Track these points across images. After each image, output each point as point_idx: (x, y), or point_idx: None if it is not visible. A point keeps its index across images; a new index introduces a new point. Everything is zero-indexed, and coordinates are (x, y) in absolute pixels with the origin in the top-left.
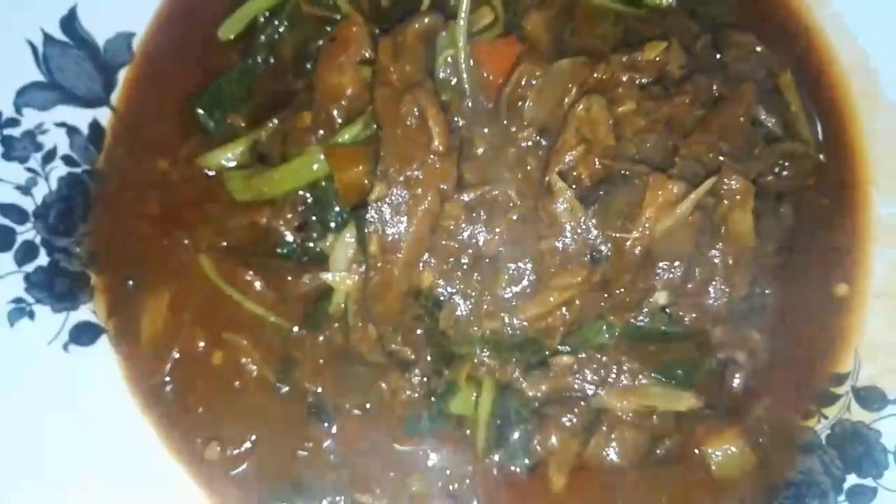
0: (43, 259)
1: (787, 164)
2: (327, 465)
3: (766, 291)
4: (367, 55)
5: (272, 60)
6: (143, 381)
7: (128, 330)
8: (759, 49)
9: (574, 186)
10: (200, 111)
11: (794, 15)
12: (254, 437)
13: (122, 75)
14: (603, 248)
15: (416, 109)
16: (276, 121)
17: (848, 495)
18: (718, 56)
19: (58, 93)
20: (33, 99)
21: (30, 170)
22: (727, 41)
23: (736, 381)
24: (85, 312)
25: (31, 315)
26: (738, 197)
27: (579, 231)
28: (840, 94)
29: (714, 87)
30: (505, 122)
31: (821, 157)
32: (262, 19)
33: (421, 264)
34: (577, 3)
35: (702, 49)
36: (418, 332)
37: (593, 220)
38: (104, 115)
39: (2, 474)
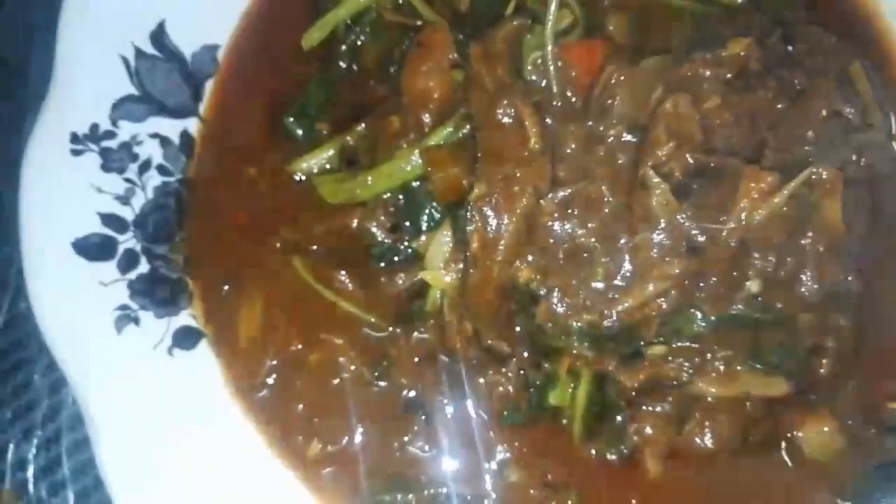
0: (144, 266)
1: (865, 153)
2: (426, 459)
3: (850, 278)
4: (453, 59)
5: (354, 68)
6: (243, 381)
7: (226, 333)
8: (828, 41)
9: (667, 181)
10: (290, 119)
11: (858, 3)
12: (353, 433)
13: (209, 86)
14: (699, 239)
15: (511, 111)
16: (363, 125)
17: None
18: (790, 49)
19: (150, 105)
20: (128, 112)
21: (128, 180)
22: (796, 34)
23: (824, 366)
24: (185, 317)
25: (137, 321)
26: (828, 186)
27: (675, 224)
28: None
29: (795, 81)
30: (593, 120)
31: (894, 144)
32: (343, 27)
33: (518, 260)
34: (654, 3)
35: (774, 43)
36: (515, 327)
37: (688, 213)
38: (193, 125)
39: (115, 476)
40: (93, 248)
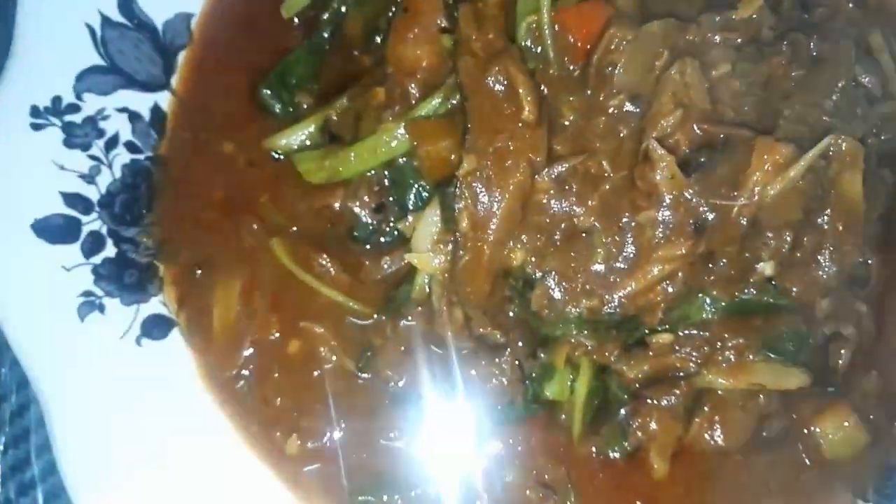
0: (110, 250)
1: (885, 126)
2: (412, 455)
3: (870, 261)
4: (441, 24)
5: (338, 37)
6: (217, 373)
7: (199, 321)
8: (846, 7)
9: (672, 154)
10: (266, 91)
11: None
12: (335, 429)
13: (182, 57)
14: (707, 216)
15: (503, 78)
16: (346, 98)
17: None
18: (805, 15)
19: (118, 77)
20: (94, 84)
21: (93, 157)
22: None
23: (842, 356)
24: (156, 305)
25: (102, 308)
26: (848, 159)
27: (681, 200)
28: None
29: (811, 46)
30: (593, 89)
31: None
32: None
33: (512, 241)
34: None
35: (789, 8)
36: (508, 314)
37: (695, 188)
38: (165, 99)
39: (76, 474)
40: (54, 230)
